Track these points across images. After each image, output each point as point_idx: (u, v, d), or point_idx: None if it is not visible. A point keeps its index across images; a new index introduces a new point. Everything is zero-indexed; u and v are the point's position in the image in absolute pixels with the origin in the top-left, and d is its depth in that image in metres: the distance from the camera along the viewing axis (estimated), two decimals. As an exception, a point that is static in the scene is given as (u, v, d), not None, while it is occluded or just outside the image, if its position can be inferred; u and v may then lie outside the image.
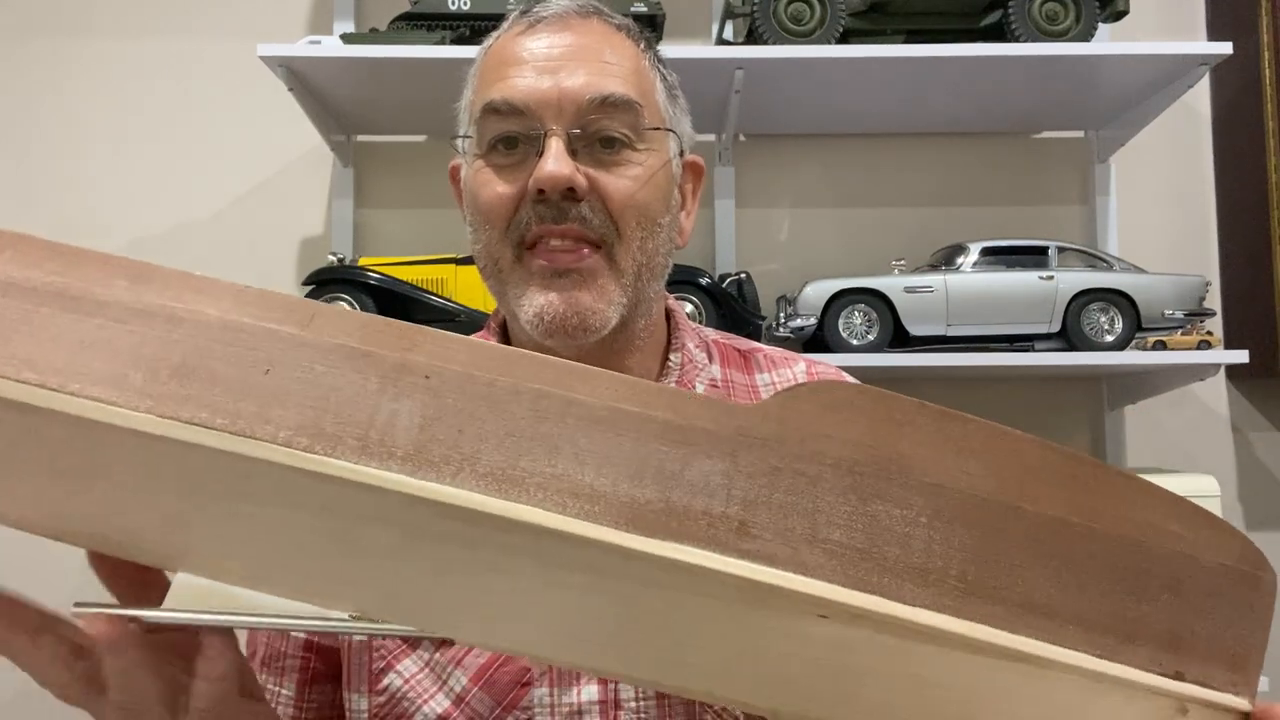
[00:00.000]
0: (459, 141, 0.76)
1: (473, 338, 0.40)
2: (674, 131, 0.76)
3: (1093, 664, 0.40)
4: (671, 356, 0.79)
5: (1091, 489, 0.40)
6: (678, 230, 0.77)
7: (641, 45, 0.76)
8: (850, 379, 0.85)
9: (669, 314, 0.82)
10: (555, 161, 0.68)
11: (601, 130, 0.70)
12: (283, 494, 0.38)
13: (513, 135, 0.71)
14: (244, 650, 0.74)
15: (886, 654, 0.39)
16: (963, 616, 0.39)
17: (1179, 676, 0.41)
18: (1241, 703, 0.42)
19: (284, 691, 0.72)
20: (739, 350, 0.85)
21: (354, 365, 0.38)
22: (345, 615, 0.43)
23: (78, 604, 0.44)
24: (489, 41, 0.77)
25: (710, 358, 0.82)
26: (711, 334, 0.86)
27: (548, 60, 0.71)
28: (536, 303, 0.70)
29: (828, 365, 0.86)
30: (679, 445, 0.39)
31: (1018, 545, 0.39)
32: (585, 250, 0.70)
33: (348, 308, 0.38)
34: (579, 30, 0.73)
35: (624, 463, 0.38)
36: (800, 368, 0.85)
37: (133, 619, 0.44)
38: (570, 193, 0.68)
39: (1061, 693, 0.40)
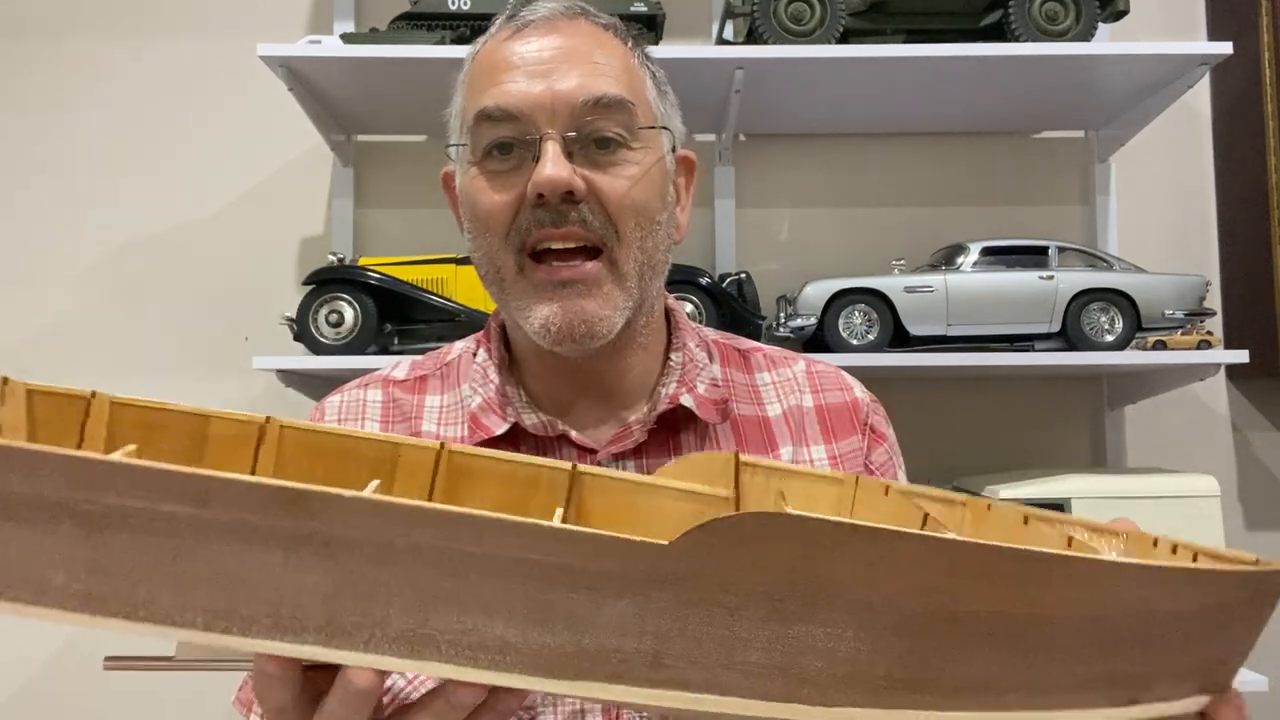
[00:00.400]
0: (452, 149, 0.76)
1: (368, 494, 0.39)
2: (667, 129, 0.76)
3: (1028, 718, 0.40)
4: (672, 356, 0.80)
5: (1044, 581, 0.39)
6: (675, 226, 0.78)
7: (629, 44, 0.76)
8: (851, 379, 0.85)
9: (669, 313, 0.83)
10: (553, 165, 0.68)
11: (596, 131, 0.70)
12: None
13: (507, 141, 0.71)
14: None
15: None
16: (889, 707, 0.39)
17: (1131, 702, 0.41)
18: (1199, 703, 0.42)
19: None
20: (739, 350, 0.85)
21: (255, 540, 0.38)
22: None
23: (108, 658, 0.46)
24: (476, 47, 0.77)
25: (711, 357, 0.82)
26: (711, 334, 0.86)
27: (538, 64, 0.71)
28: (541, 314, 0.70)
29: (827, 364, 0.86)
30: (587, 590, 0.38)
31: (952, 642, 0.39)
32: (587, 264, 0.70)
33: (239, 475, 0.38)
34: (567, 32, 0.73)
35: (531, 611, 0.39)
36: (800, 366, 0.85)
37: (160, 667, 0.46)
38: (569, 196, 0.69)
39: None
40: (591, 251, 0.71)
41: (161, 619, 0.38)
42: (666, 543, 0.38)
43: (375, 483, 0.46)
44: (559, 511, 0.50)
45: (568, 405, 0.78)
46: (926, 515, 0.51)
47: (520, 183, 0.70)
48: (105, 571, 0.38)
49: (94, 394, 0.55)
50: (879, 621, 0.38)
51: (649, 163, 0.72)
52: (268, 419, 0.57)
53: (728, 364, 0.83)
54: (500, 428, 0.75)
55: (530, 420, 0.75)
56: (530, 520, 0.39)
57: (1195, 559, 0.47)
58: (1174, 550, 0.49)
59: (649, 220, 0.72)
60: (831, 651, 0.38)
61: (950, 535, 0.39)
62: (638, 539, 0.38)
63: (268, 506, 0.38)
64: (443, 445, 0.57)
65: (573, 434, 0.75)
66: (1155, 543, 0.51)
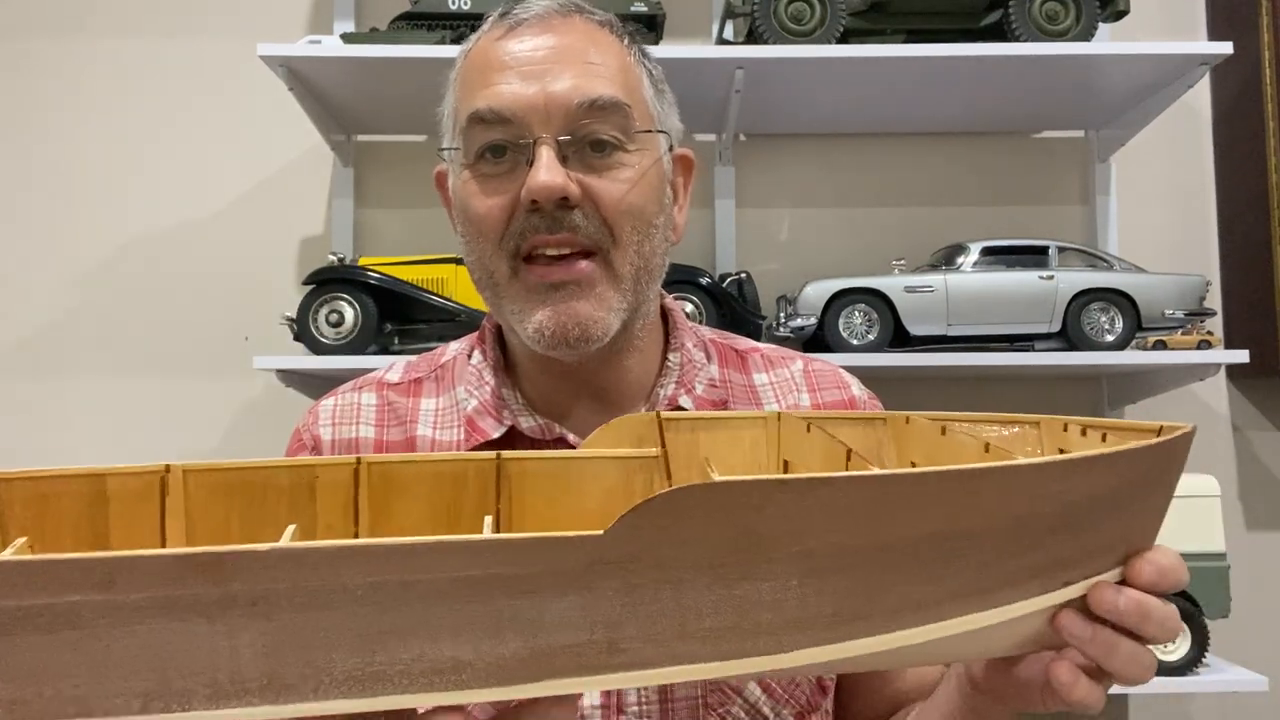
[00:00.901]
0: (446, 151, 0.75)
1: (285, 544, 0.37)
2: (664, 132, 0.75)
3: (969, 622, 0.41)
4: (670, 357, 0.79)
5: (967, 495, 0.40)
6: (672, 227, 0.77)
7: (625, 41, 0.74)
8: (849, 376, 0.85)
9: (666, 313, 0.82)
10: (547, 171, 0.67)
11: (591, 134, 0.69)
12: None
13: (500, 144, 0.70)
14: None
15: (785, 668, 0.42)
16: (835, 641, 0.40)
17: (1066, 584, 0.43)
18: (1113, 574, 0.45)
19: None
20: (736, 350, 0.85)
21: (175, 614, 0.36)
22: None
23: None
24: (468, 45, 0.75)
25: (709, 357, 0.82)
26: (708, 333, 0.86)
27: (531, 64, 0.69)
28: (536, 318, 0.69)
29: (825, 362, 0.86)
30: (529, 594, 0.38)
31: (891, 569, 0.40)
32: (581, 263, 0.69)
33: (143, 550, 0.37)
34: (561, 30, 0.71)
35: (478, 626, 0.38)
36: (798, 366, 0.84)
37: None
38: (563, 201, 0.68)
39: (954, 644, 0.43)
40: (586, 253, 0.70)
41: (95, 711, 0.37)
42: (600, 533, 0.38)
43: (291, 528, 0.44)
44: (488, 519, 0.50)
45: (565, 407, 0.77)
46: (850, 451, 0.52)
47: (514, 187, 0.69)
48: (23, 676, 0.36)
49: None
50: (819, 565, 0.39)
51: (645, 165, 0.71)
52: (168, 467, 0.54)
53: (725, 364, 0.83)
54: (496, 431, 0.75)
55: (527, 423, 0.75)
56: (458, 537, 0.37)
57: (1104, 438, 0.49)
58: (1084, 432, 0.51)
59: (645, 224, 0.71)
60: (779, 602, 0.39)
61: (873, 470, 0.39)
62: (571, 534, 0.38)
63: (181, 576, 0.36)
64: (359, 460, 0.56)
65: (570, 437, 0.74)
66: (1065, 426, 0.53)
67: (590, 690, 0.40)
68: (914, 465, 0.58)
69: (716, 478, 0.39)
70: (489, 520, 0.50)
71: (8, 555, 0.38)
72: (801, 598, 0.39)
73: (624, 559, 0.38)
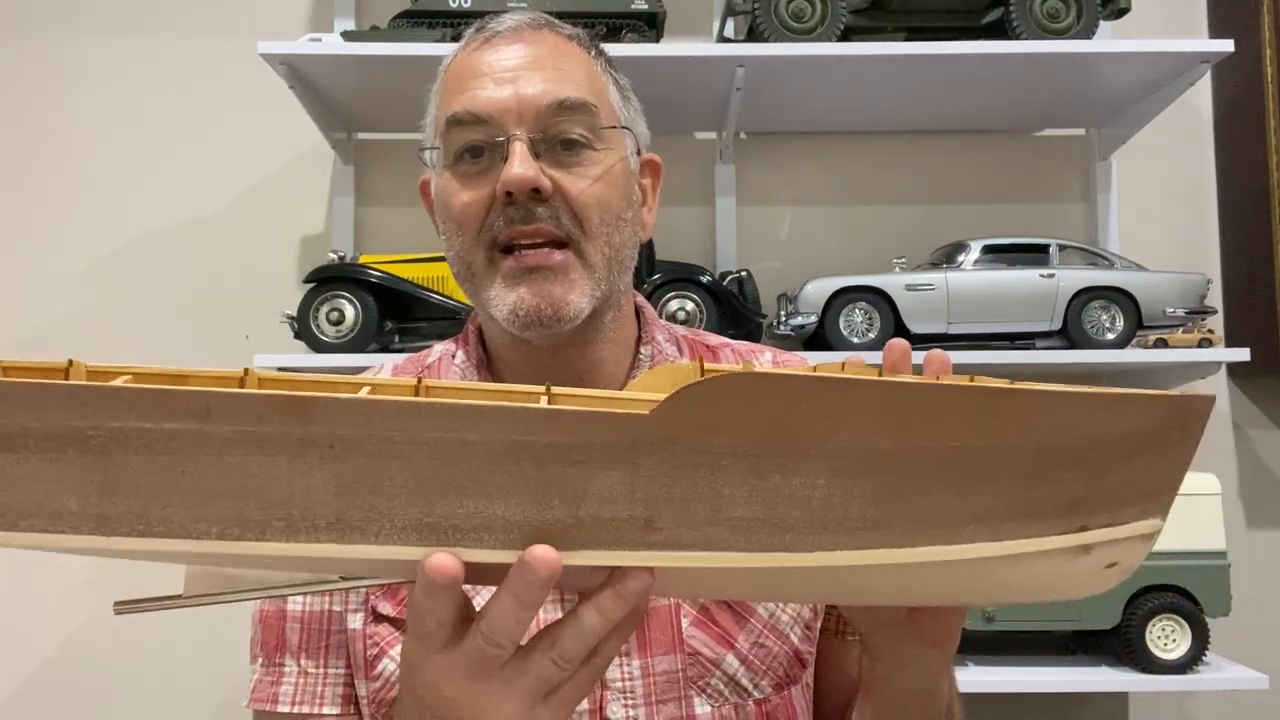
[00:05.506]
0: (428, 156, 0.81)
1: (363, 395, 0.41)
2: (629, 130, 0.79)
3: (988, 549, 0.43)
4: (642, 350, 0.82)
5: (996, 413, 0.42)
6: (640, 225, 0.81)
7: (592, 53, 0.80)
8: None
9: (638, 310, 0.85)
10: (520, 164, 0.71)
11: (561, 133, 0.73)
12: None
13: (477, 144, 0.74)
14: (269, 638, 0.75)
15: (807, 578, 0.45)
16: (857, 547, 0.42)
17: (1082, 529, 0.44)
18: (1143, 527, 0.46)
19: (333, 670, 0.74)
20: (707, 345, 0.88)
21: (260, 449, 0.40)
22: (337, 578, 0.47)
23: (118, 602, 0.47)
24: (447, 59, 0.81)
25: (680, 351, 0.85)
26: (680, 330, 0.89)
27: (505, 71, 0.75)
28: (509, 299, 0.72)
29: (795, 355, 0.89)
30: (578, 464, 0.41)
31: (919, 477, 0.42)
32: (555, 253, 0.73)
33: (238, 389, 0.41)
34: (532, 41, 0.76)
35: (528, 490, 0.41)
36: (766, 358, 0.87)
37: (169, 605, 0.47)
38: (536, 193, 0.71)
39: (968, 571, 0.44)
40: (560, 244, 0.73)
41: (176, 533, 0.40)
42: (646, 412, 0.40)
43: (368, 385, 0.48)
44: (544, 399, 0.53)
45: None
46: (880, 367, 0.55)
47: (490, 183, 0.73)
48: (117, 493, 0.40)
49: (70, 363, 0.56)
50: (848, 466, 0.41)
51: (611, 162, 0.75)
52: (246, 372, 0.58)
53: (696, 360, 0.84)
54: None
55: None
56: (519, 405, 0.41)
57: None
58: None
59: (614, 216, 0.75)
60: (807, 499, 0.42)
61: (907, 378, 0.42)
62: (620, 411, 0.41)
63: (268, 415, 0.40)
64: (419, 380, 0.59)
65: None
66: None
67: (619, 562, 0.42)
68: None
69: (759, 369, 0.42)
70: (544, 399, 0.53)
71: (119, 383, 0.41)
72: (828, 497, 0.41)
73: (666, 439, 0.41)
